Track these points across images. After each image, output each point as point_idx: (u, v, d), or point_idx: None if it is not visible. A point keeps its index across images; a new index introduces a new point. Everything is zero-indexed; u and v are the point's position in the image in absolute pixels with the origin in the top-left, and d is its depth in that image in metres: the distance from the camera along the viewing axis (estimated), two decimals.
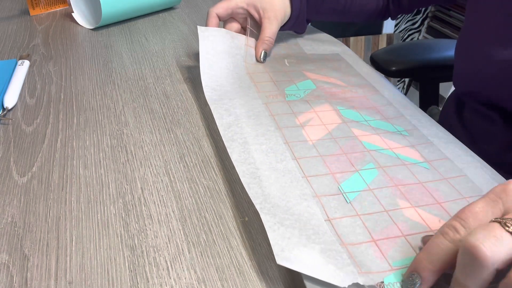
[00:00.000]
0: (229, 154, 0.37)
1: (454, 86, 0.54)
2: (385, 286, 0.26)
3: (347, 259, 0.28)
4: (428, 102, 0.86)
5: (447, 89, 1.80)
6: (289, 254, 0.28)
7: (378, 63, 0.80)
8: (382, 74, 0.56)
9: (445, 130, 0.43)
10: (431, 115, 0.75)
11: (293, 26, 0.57)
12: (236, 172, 0.38)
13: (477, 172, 0.37)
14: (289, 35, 0.63)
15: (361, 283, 0.26)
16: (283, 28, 0.56)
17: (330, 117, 0.43)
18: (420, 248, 0.29)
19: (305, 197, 0.33)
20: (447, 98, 0.62)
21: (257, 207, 0.31)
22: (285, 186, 0.34)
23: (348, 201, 0.33)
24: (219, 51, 0.51)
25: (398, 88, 2.02)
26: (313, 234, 0.30)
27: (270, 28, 0.53)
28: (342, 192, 0.34)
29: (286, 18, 0.55)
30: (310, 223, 0.30)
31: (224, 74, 0.48)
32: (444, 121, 0.59)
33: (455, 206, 0.33)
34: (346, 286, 0.26)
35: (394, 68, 0.77)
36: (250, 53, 0.53)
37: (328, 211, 0.32)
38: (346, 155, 0.38)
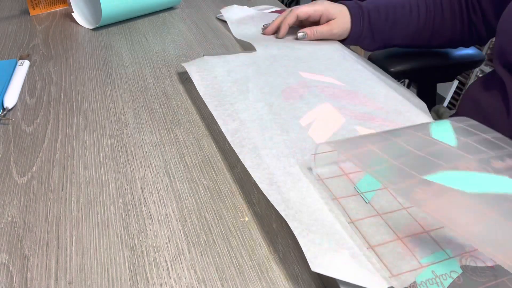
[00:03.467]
0: (242, 160, 0.37)
1: (497, 61, 0.54)
2: (417, 286, 0.27)
3: (376, 264, 0.28)
4: (425, 102, 0.86)
5: (446, 89, 1.80)
6: (323, 261, 0.28)
7: (376, 64, 0.80)
8: (375, 69, 0.56)
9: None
10: (438, 114, 0.75)
11: (354, 43, 0.65)
12: (236, 172, 0.39)
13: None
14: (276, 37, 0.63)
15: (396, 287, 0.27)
16: (344, 42, 0.64)
17: (332, 116, 0.43)
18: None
19: (325, 201, 0.33)
20: (461, 99, 0.62)
21: (282, 213, 0.31)
22: (302, 190, 0.34)
23: (367, 201, 0.33)
24: (209, 68, 0.51)
25: None
26: (341, 238, 0.30)
27: (324, 29, 0.61)
28: (359, 192, 0.34)
29: (344, 36, 0.63)
30: (334, 227, 0.31)
31: (219, 81, 0.49)
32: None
33: None
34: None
35: (391, 69, 0.77)
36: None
37: (349, 213, 0.32)
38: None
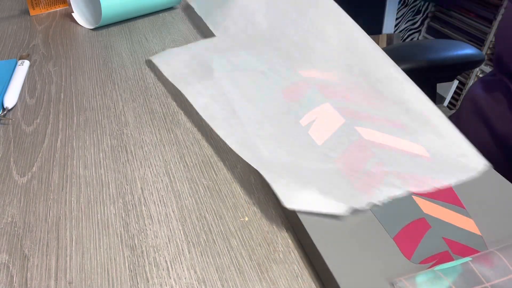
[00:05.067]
0: (214, 130, 0.40)
1: (497, 69, 0.53)
2: (417, 285, 0.26)
3: (346, 187, 0.33)
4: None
5: (446, 89, 1.80)
6: (294, 199, 0.32)
7: None
8: (380, 54, 0.53)
9: (442, 115, 0.43)
10: None
11: None
12: (236, 172, 0.39)
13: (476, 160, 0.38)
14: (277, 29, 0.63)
15: (358, 206, 0.32)
16: None
17: (332, 116, 0.43)
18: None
19: (295, 157, 0.37)
20: (463, 99, 0.62)
21: (254, 165, 0.34)
22: (275, 148, 0.37)
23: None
24: (174, 56, 0.55)
25: None
26: (311, 181, 0.33)
27: None
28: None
29: None
30: (306, 176, 0.34)
31: (184, 65, 0.52)
32: (463, 119, 0.59)
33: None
34: (346, 210, 0.31)
35: None
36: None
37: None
38: (354, 155, 0.38)
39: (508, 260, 0.28)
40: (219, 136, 0.43)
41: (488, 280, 0.26)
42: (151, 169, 0.39)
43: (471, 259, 0.28)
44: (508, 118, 0.51)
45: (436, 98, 0.87)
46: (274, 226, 0.33)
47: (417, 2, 1.96)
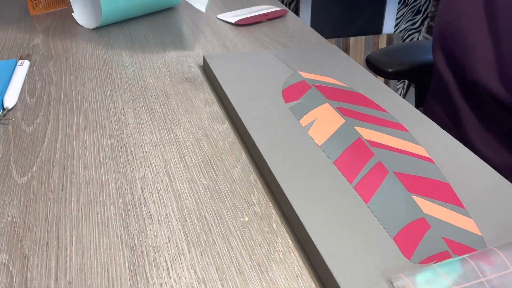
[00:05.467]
0: None
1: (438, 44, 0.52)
2: (418, 284, 0.26)
3: None
4: (424, 102, 0.86)
5: None
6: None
7: (374, 64, 0.80)
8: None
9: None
10: None
11: None
12: (236, 172, 0.38)
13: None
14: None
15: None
16: None
17: (332, 116, 0.43)
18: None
19: None
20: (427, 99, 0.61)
21: None
22: None
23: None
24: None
25: (398, 88, 2.02)
26: None
27: None
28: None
29: None
30: None
31: None
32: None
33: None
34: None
35: (390, 70, 0.77)
36: None
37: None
38: (354, 155, 0.38)
39: (507, 256, 0.28)
40: (218, 136, 0.43)
41: (485, 275, 0.26)
42: (151, 169, 0.39)
43: (468, 255, 0.28)
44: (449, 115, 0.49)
45: None
46: (274, 226, 0.33)
47: (417, 2, 1.96)
